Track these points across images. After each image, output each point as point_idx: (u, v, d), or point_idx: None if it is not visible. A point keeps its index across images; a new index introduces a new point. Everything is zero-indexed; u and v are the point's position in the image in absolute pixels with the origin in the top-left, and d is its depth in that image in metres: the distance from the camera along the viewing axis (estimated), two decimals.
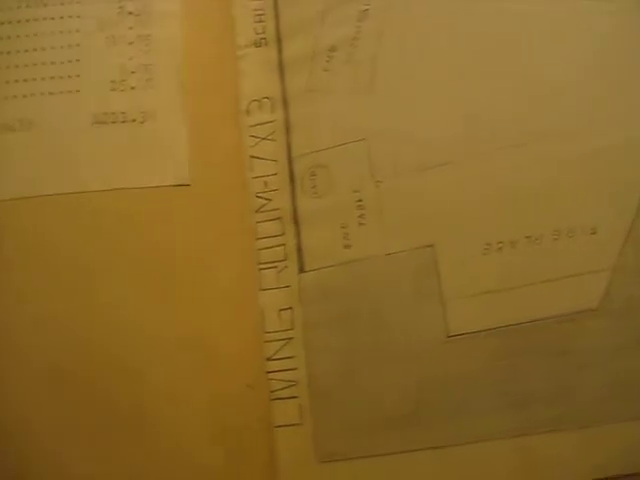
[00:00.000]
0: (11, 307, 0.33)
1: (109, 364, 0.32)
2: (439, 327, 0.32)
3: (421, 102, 0.35)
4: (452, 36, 0.35)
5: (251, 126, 0.37)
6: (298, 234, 0.35)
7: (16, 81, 0.35)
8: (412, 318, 0.33)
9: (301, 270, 0.35)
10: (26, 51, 0.36)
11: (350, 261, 0.34)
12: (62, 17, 0.36)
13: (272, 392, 0.33)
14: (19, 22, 0.36)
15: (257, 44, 0.38)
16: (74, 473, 0.31)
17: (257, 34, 0.38)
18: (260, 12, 0.38)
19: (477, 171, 0.33)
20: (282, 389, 0.33)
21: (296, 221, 0.35)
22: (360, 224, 0.34)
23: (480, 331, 0.32)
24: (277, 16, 0.38)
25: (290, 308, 0.34)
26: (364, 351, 0.33)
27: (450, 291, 0.33)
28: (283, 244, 0.35)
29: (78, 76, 0.35)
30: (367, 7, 0.37)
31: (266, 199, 0.36)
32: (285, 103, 0.37)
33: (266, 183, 0.36)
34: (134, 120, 0.35)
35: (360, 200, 0.34)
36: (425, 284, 0.33)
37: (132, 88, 0.36)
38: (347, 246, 0.34)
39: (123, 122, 0.35)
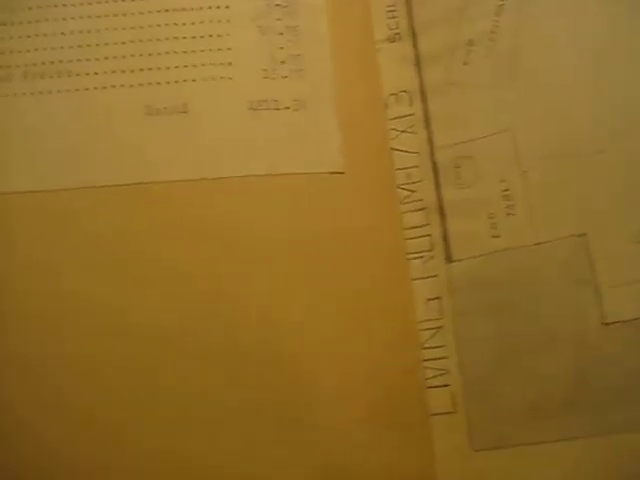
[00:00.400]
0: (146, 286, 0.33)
1: (261, 354, 0.32)
2: (594, 315, 0.32)
3: (566, 92, 0.35)
4: (593, 25, 0.36)
5: (390, 119, 0.37)
6: (444, 224, 0.35)
7: (168, 68, 0.36)
8: (565, 306, 0.33)
9: (448, 260, 0.35)
10: (175, 38, 0.36)
11: (499, 251, 0.34)
12: (210, 7, 0.37)
13: (426, 380, 0.34)
14: (167, 11, 0.37)
15: (391, 39, 0.38)
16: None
17: (390, 30, 0.39)
18: (392, 9, 0.39)
19: (626, 160, 0.34)
20: (434, 377, 0.34)
21: (441, 212, 0.36)
22: (508, 214, 0.34)
23: (637, 318, 0.32)
24: (410, 12, 0.39)
25: (438, 298, 0.35)
26: (516, 340, 0.33)
27: (605, 279, 0.33)
28: (429, 234, 0.35)
29: (230, 64, 0.36)
30: (502, 2, 0.37)
31: (409, 190, 0.36)
32: (423, 96, 0.37)
33: (408, 175, 0.36)
34: (287, 108, 0.36)
35: (507, 190, 0.35)
36: (578, 272, 0.33)
37: (284, 77, 0.36)
38: (495, 236, 0.34)
39: (277, 109, 0.35)
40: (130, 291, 0.33)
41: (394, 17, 0.39)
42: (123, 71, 0.36)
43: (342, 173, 0.35)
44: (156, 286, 0.33)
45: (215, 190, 0.34)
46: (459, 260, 0.35)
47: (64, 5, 0.37)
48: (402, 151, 0.37)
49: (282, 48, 0.37)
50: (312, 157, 0.35)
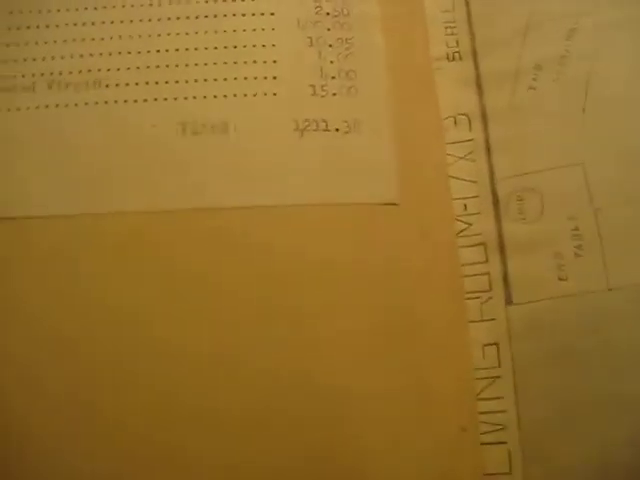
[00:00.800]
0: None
1: (308, 406, 0.29)
2: None
3: None
4: None
5: (447, 144, 0.34)
6: (504, 262, 0.32)
7: (206, 80, 0.32)
8: None
9: (508, 302, 0.31)
10: (215, 48, 0.33)
11: (567, 295, 0.31)
12: (254, 14, 0.34)
13: (480, 435, 0.30)
14: (206, 17, 0.33)
15: (449, 58, 0.35)
16: None
17: (449, 47, 0.35)
18: (451, 25, 0.36)
19: None
20: (489, 433, 0.30)
21: (501, 248, 0.32)
22: (577, 255, 0.31)
23: None
24: (471, 30, 0.36)
25: (496, 344, 0.31)
26: (584, 395, 0.30)
27: None
28: (487, 273, 0.32)
29: (275, 78, 0.32)
30: (575, 26, 0.34)
31: (466, 223, 0.33)
32: (484, 121, 0.34)
33: (465, 206, 0.33)
34: (337, 130, 0.32)
35: (576, 229, 0.31)
36: None
37: (334, 95, 0.33)
38: (562, 278, 0.31)
39: (326, 131, 0.32)
40: (166, 320, 0.29)
41: (453, 34, 0.36)
42: (157, 82, 0.32)
43: (395, 205, 0.31)
44: (192, 316, 0.29)
45: (253, 220, 0.30)
46: (520, 303, 0.31)
47: (95, 8, 0.33)
48: (459, 179, 0.33)
49: (332, 62, 0.33)
50: (363, 186, 0.31)
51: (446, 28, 0.36)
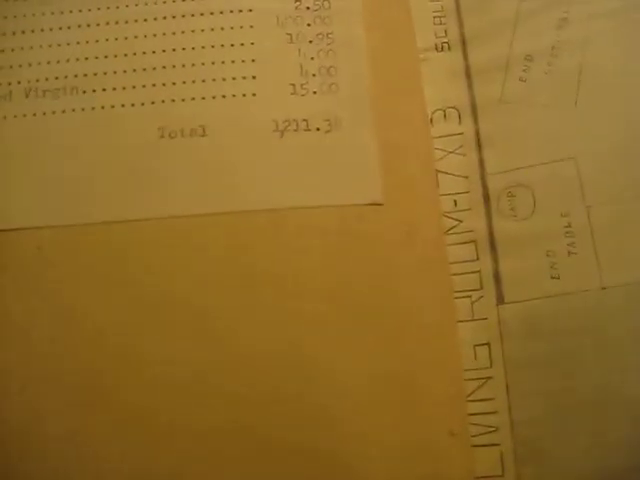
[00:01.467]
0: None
1: (295, 412, 0.29)
2: None
3: (637, 116, 0.31)
4: None
5: (435, 138, 0.33)
6: (495, 260, 0.31)
7: (184, 82, 0.31)
8: (635, 360, 0.29)
9: (500, 301, 0.31)
10: (193, 49, 0.32)
11: (559, 294, 0.30)
12: (232, 11, 0.33)
13: (471, 437, 0.29)
14: (183, 17, 0.32)
15: (438, 48, 0.34)
16: None
17: (437, 37, 0.35)
18: (440, 14, 0.35)
19: None
20: (481, 435, 0.30)
21: (492, 246, 0.31)
22: (570, 253, 0.30)
23: None
24: (460, 19, 0.35)
25: (487, 344, 0.31)
26: (578, 396, 0.29)
27: None
28: (478, 271, 0.31)
29: (254, 78, 0.32)
30: (566, 15, 0.33)
31: (456, 220, 0.32)
32: (474, 114, 0.33)
33: (455, 202, 0.32)
34: (318, 129, 0.31)
35: (569, 226, 0.31)
36: None
37: (314, 93, 0.32)
38: (555, 277, 0.30)
39: (306, 130, 0.31)
40: (148, 334, 0.29)
41: (442, 24, 0.35)
42: (134, 87, 0.31)
43: (380, 205, 0.30)
44: (174, 329, 0.29)
45: (235, 226, 0.30)
46: (512, 302, 0.31)
47: (70, 12, 0.32)
48: (449, 174, 0.32)
49: (313, 59, 0.32)
50: (346, 187, 0.30)
51: (434, 17, 0.35)
